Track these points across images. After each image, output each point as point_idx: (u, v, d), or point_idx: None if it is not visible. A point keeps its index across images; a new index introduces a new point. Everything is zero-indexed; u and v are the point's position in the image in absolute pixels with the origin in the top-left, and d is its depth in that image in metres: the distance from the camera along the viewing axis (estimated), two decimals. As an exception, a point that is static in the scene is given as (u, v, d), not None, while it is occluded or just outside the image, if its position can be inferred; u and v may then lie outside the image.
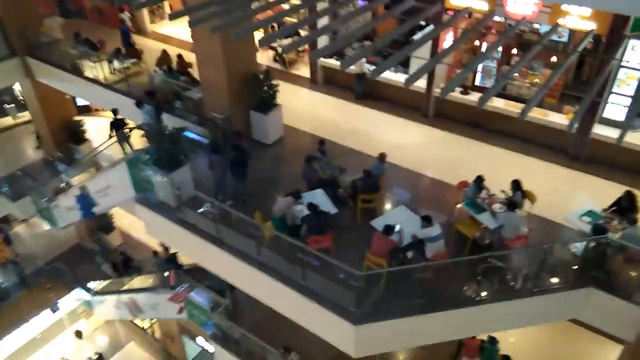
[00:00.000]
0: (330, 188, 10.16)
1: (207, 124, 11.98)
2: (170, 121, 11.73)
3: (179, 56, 15.63)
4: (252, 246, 9.10)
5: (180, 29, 18.52)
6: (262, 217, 9.34)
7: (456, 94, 12.81)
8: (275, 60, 16.97)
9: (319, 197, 9.62)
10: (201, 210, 10.05)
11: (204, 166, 10.53)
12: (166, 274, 14.50)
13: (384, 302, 8.35)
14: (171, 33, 19.28)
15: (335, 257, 8.51)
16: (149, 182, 10.62)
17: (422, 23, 13.65)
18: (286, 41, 16.04)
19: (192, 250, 10.68)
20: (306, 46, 16.00)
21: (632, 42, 10.19)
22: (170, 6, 19.67)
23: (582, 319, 8.63)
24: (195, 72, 13.41)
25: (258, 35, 13.58)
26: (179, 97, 13.30)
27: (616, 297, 7.87)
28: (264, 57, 17.02)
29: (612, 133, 10.92)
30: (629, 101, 10.72)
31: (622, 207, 8.87)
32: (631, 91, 10.66)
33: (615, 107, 11.01)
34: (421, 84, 13.03)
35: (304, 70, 16.20)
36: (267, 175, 11.36)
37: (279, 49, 16.55)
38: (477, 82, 13.34)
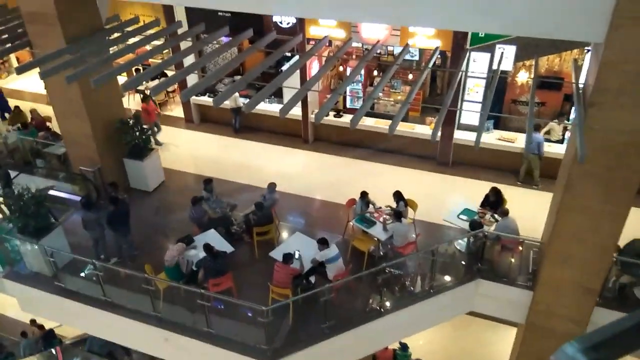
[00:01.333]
0: (223, 227, 9.86)
1: (76, 180, 10.94)
2: (33, 183, 10.49)
3: (33, 111, 14.21)
4: (147, 302, 8.39)
5: (32, 81, 16.89)
6: (153, 270, 8.69)
7: (330, 118, 13.24)
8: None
9: (213, 238, 9.23)
10: (83, 273, 9.06)
11: (79, 225, 9.56)
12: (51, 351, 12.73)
13: (295, 332, 8.16)
14: (23, 87, 17.50)
15: (239, 296, 8.20)
16: (17, 253, 9.35)
17: (288, 54, 14.00)
18: (153, 83, 15.42)
19: (78, 319, 9.53)
20: (176, 86, 15.55)
21: (473, 55, 11.39)
22: (18, 58, 17.88)
23: (477, 310, 9.20)
24: (55, 125, 12.24)
25: (123, 79, 12.90)
26: (40, 154, 12.02)
27: (501, 284, 8.54)
28: (133, 102, 16.21)
29: (471, 137, 12.04)
30: (479, 106, 11.92)
31: (491, 202, 9.75)
32: (479, 97, 11.88)
33: (469, 113, 12.18)
34: (297, 111, 13.27)
35: (177, 111, 15.69)
36: (153, 224, 10.72)
37: (147, 92, 15.84)
38: (348, 105, 13.97)
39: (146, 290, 8.29)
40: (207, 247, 8.49)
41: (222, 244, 9.14)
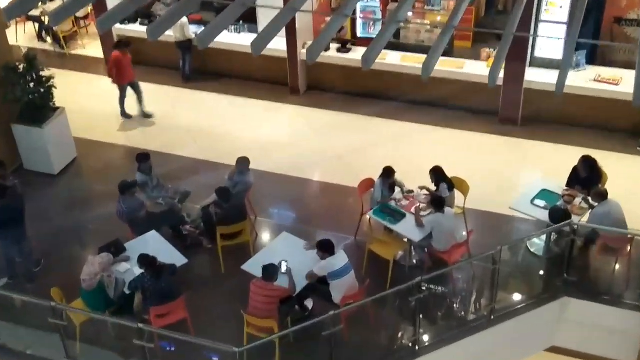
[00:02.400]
0: (170, 226, 9.96)
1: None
2: None
3: None
4: (58, 344, 8.50)
5: None
6: (64, 295, 8.78)
7: (332, 54, 13.22)
8: (41, 38, 16.22)
9: (155, 245, 9.32)
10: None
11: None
12: None
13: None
14: None
15: (197, 332, 8.28)
16: None
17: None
18: (53, 5, 15.26)
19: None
20: (90, 9, 15.45)
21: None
22: None
23: (563, 344, 9.30)
24: None
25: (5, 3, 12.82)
26: None
27: (599, 304, 8.64)
28: (23, 36, 16.16)
29: (551, 78, 11.99)
30: (563, 30, 11.89)
31: (583, 179, 9.77)
32: (564, 16, 11.83)
33: (549, 42, 12.13)
34: (281, 45, 13.23)
35: (93, 49, 15.64)
36: (61, 225, 10.79)
37: (45, 20, 15.77)
38: (359, 33, 13.91)
39: (55, 326, 8.38)
40: (145, 260, 8.55)
41: (168, 253, 9.22)
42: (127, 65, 12.99)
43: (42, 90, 11.32)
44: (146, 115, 13.38)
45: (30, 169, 11.75)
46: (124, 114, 13.40)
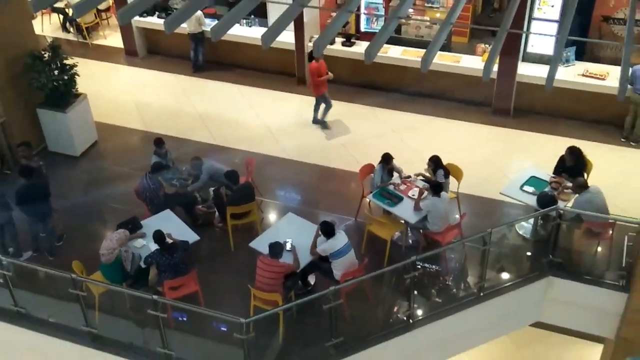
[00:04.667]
0: (184, 206, 9.98)
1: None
2: None
3: None
4: (78, 313, 8.56)
5: None
6: (85, 268, 8.85)
7: (337, 47, 13.22)
8: (65, 29, 16.22)
9: (169, 223, 9.37)
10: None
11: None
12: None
13: (287, 354, 8.35)
14: None
15: (207, 304, 8.34)
16: None
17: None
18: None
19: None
20: (111, 2, 15.45)
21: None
22: None
23: (548, 320, 9.38)
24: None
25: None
26: None
27: (581, 283, 8.68)
28: (48, 27, 16.15)
29: (542, 72, 11.98)
30: (554, 27, 11.86)
31: (568, 167, 9.80)
32: (556, 14, 11.80)
33: (540, 38, 12.10)
34: (289, 38, 13.23)
35: (113, 39, 15.64)
36: (82, 203, 10.86)
37: (69, 11, 15.76)
38: (363, 28, 13.88)
39: (75, 296, 8.45)
40: (159, 236, 8.60)
41: (182, 231, 9.27)
42: (323, 74, 12.21)
43: (65, 77, 11.35)
44: (323, 125, 12.84)
45: (54, 151, 11.81)
46: (316, 120, 12.80)
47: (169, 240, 8.69)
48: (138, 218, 9.46)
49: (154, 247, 8.79)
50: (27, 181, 9.47)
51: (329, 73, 12.16)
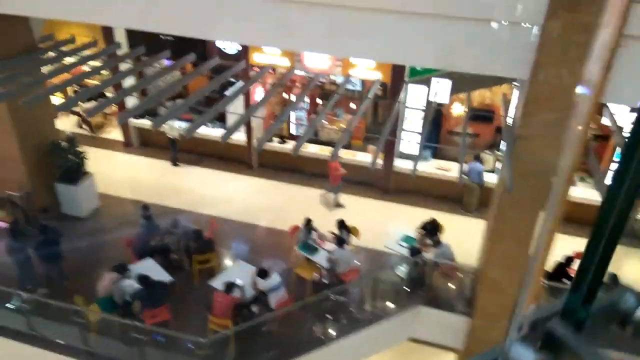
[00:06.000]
0: (161, 253, 9.55)
1: (5, 205, 10.29)
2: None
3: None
4: (77, 335, 7.91)
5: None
6: (85, 300, 8.24)
7: (274, 144, 13.29)
8: (80, 125, 15.63)
9: (150, 268, 8.91)
10: (11, 305, 8.45)
11: (2, 253, 8.95)
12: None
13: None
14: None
15: (177, 328, 7.90)
16: None
17: (233, 80, 13.99)
18: (89, 104, 14.86)
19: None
20: (114, 108, 15.08)
21: (410, 87, 11.89)
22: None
23: (418, 336, 9.35)
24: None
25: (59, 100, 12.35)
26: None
27: (440, 310, 8.76)
28: (68, 123, 15.57)
29: (410, 165, 12.43)
30: (418, 136, 12.39)
31: (428, 230, 10.05)
32: (419, 127, 12.37)
33: (408, 143, 12.62)
34: (242, 137, 13.23)
35: (115, 134, 15.18)
36: (86, 252, 10.20)
37: (83, 113, 15.25)
38: (293, 131, 14.08)
39: (76, 322, 7.84)
40: (143, 279, 8.16)
41: (159, 273, 8.82)
42: (338, 169, 11.91)
43: (77, 160, 10.89)
44: (339, 205, 12.33)
45: (66, 213, 11.18)
46: (337, 203, 12.31)
47: (151, 280, 8.25)
48: (125, 264, 8.92)
49: (137, 286, 8.31)
50: (44, 237, 8.89)
51: (343, 169, 11.96)
